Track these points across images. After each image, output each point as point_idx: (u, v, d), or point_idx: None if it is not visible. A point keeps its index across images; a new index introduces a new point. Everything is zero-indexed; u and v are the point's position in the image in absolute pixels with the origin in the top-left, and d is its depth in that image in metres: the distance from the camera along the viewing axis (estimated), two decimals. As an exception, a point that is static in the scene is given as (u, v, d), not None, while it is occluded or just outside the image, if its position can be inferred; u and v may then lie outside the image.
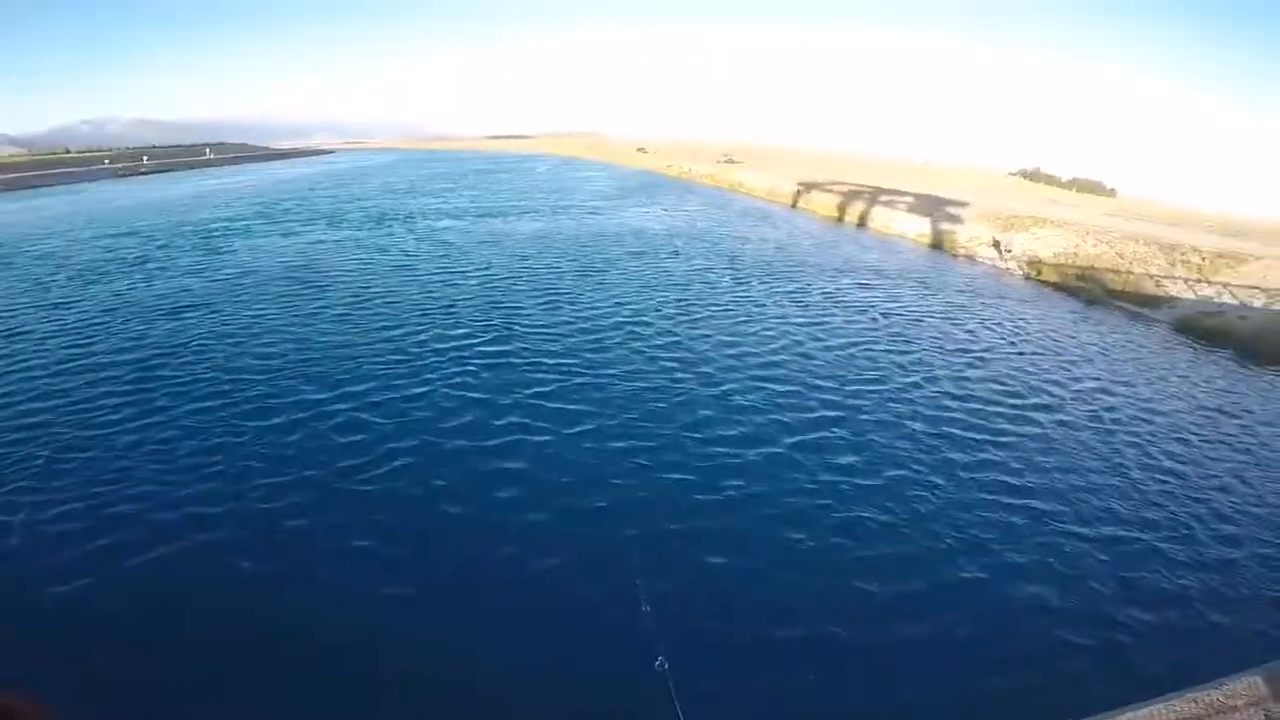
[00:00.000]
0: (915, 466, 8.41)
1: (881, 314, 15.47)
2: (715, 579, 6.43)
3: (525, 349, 12.28)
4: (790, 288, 17.58)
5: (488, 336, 12.99)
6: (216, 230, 26.70)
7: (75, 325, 13.86)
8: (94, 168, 67.51)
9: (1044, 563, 6.71)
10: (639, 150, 74.90)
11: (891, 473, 8.25)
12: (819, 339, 13.33)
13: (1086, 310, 17.41)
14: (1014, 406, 10.41)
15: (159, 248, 22.96)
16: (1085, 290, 19.01)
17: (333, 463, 8.38)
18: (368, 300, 15.77)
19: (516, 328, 13.52)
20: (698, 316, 14.62)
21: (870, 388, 10.87)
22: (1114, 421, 10.09)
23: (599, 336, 13.11)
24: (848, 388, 10.84)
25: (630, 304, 15.44)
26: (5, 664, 5.73)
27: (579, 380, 10.88)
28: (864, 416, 9.77)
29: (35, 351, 12.27)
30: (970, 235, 24.50)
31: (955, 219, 26.33)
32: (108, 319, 14.26)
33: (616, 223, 28.41)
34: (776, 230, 27.61)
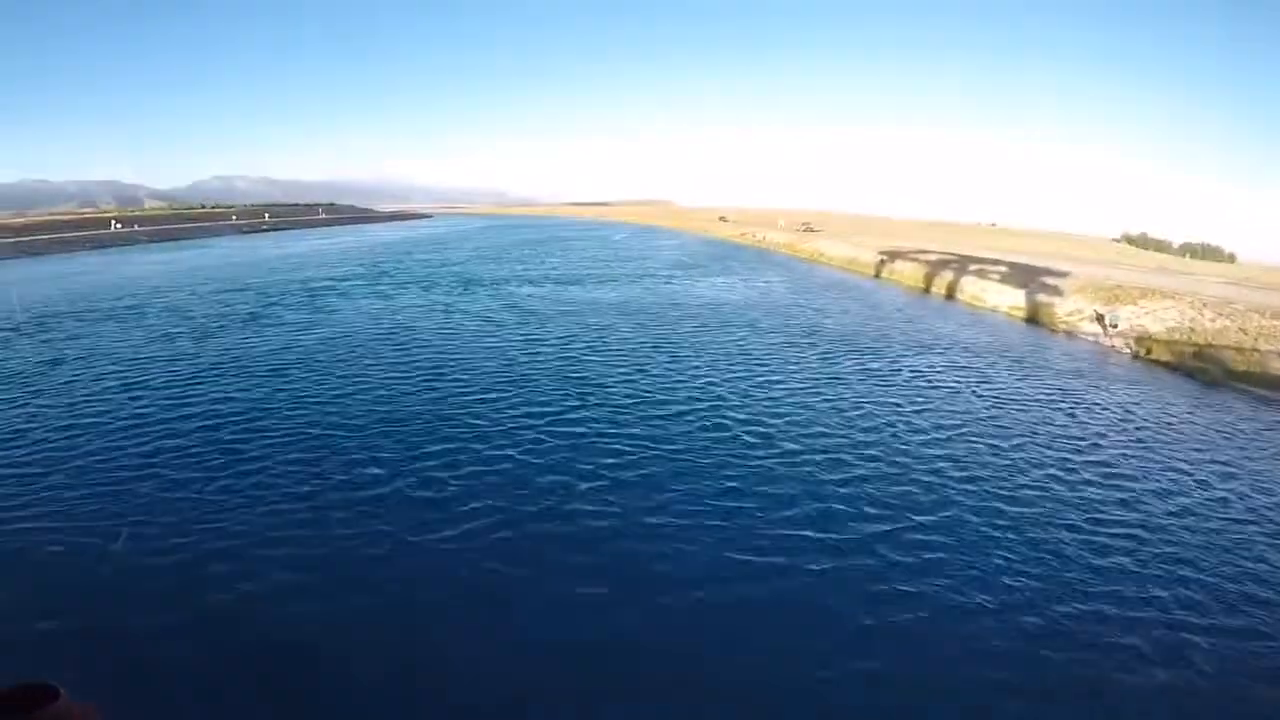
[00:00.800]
0: (1028, 575, 7.65)
1: (976, 395, 14.55)
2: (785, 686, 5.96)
3: (599, 420, 12.27)
4: (876, 365, 16.91)
5: (565, 407, 13.07)
6: (321, 289, 28.77)
7: (188, 376, 15.02)
8: (222, 223, 74.38)
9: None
10: (720, 219, 76.11)
11: (1004, 591, 7.51)
12: (910, 423, 12.58)
13: (1204, 393, 15.81)
14: (1130, 497, 9.43)
15: (268, 305, 24.86)
16: (1203, 371, 17.32)
17: (409, 517, 8.74)
18: (452, 364, 16.34)
19: (592, 400, 13.54)
20: (777, 395, 14.18)
21: (971, 480, 10.04)
22: (1249, 513, 9.10)
23: (674, 413, 12.89)
24: (945, 480, 10.05)
25: (706, 379, 15.19)
26: (81, 679, 5.81)
27: (651, 456, 10.68)
28: (969, 517, 8.92)
29: (152, 400, 13.34)
30: (1070, 309, 23.06)
31: (1053, 290, 24.91)
32: (217, 373, 15.39)
33: (692, 294, 28.66)
34: (858, 303, 27.05)
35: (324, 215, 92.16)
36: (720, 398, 13.81)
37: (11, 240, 37.62)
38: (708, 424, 12.18)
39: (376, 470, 10.02)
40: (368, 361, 16.54)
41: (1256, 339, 17.88)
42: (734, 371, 15.93)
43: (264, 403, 13.23)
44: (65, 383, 14.46)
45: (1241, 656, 6.26)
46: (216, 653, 6.22)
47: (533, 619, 6.85)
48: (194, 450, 10.70)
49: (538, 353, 17.71)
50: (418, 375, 15.35)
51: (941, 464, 10.59)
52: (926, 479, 10.00)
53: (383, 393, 14.04)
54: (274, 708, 5.66)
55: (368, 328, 20.89)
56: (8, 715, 4.03)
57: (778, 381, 15.15)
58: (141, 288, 27.92)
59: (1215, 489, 9.98)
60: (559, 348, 18.31)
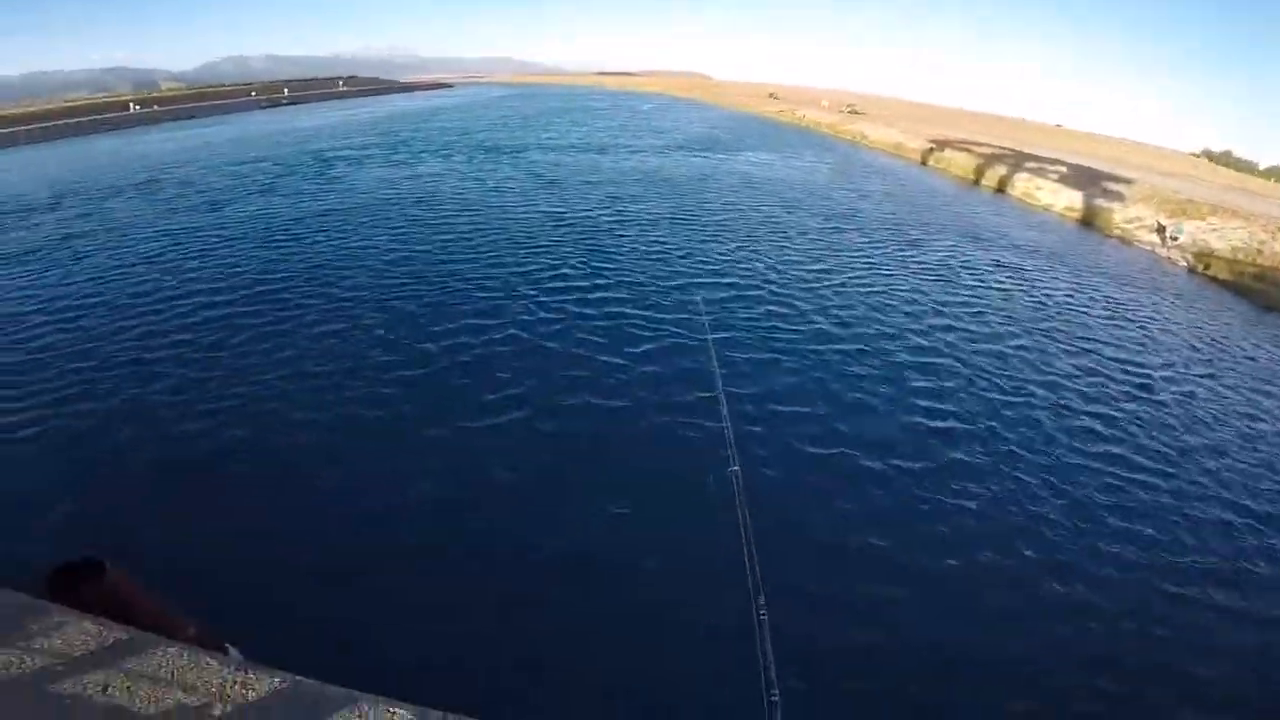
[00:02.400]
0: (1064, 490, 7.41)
1: (1024, 293, 13.83)
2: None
3: (619, 297, 11.77)
4: (919, 254, 16.02)
5: (586, 280, 12.52)
6: (339, 159, 27.27)
7: (201, 248, 14.50)
8: (241, 99, 71.46)
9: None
10: (770, 95, 70.79)
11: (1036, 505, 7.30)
12: (953, 315, 11.97)
13: (1261, 315, 14.98)
14: (1186, 417, 9.08)
15: (284, 176, 23.64)
16: (1262, 293, 16.40)
17: (421, 381, 8.79)
18: (470, 233, 15.65)
19: (614, 274, 12.93)
20: (813, 278, 13.47)
21: (1018, 387, 9.50)
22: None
23: (701, 289, 12.28)
24: (990, 380, 9.57)
25: (736, 258, 14.46)
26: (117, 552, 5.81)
27: (671, 335, 10.25)
28: (1013, 422, 8.51)
29: (167, 271, 12.93)
30: (1130, 216, 21.65)
31: (1114, 195, 23.30)
32: (232, 243, 14.90)
33: (725, 168, 26.99)
34: (903, 188, 25.47)
35: (344, 87, 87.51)
36: (752, 276, 13.18)
37: (24, 128, 35.69)
38: (736, 304, 11.65)
39: (388, 335, 9.95)
40: (384, 230, 15.92)
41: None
42: (767, 251, 15.15)
43: (279, 271, 12.84)
44: (81, 257, 13.99)
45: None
46: (241, 521, 6.23)
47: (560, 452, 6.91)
48: (209, 321, 10.48)
49: (559, 223, 16.88)
50: (435, 244, 14.75)
51: (984, 361, 10.14)
52: (968, 375, 9.62)
53: (400, 260, 13.63)
54: (297, 571, 5.64)
55: (386, 196, 19.93)
56: (62, 589, 3.65)
57: (815, 264, 14.42)
58: (158, 165, 26.65)
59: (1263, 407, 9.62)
60: (582, 218, 17.44)
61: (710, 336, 8.09)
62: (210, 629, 4.36)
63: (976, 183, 28.55)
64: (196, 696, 3.36)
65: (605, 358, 9.36)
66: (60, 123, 40.64)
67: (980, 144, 33.48)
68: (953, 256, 16.13)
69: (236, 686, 3.51)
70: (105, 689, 3.27)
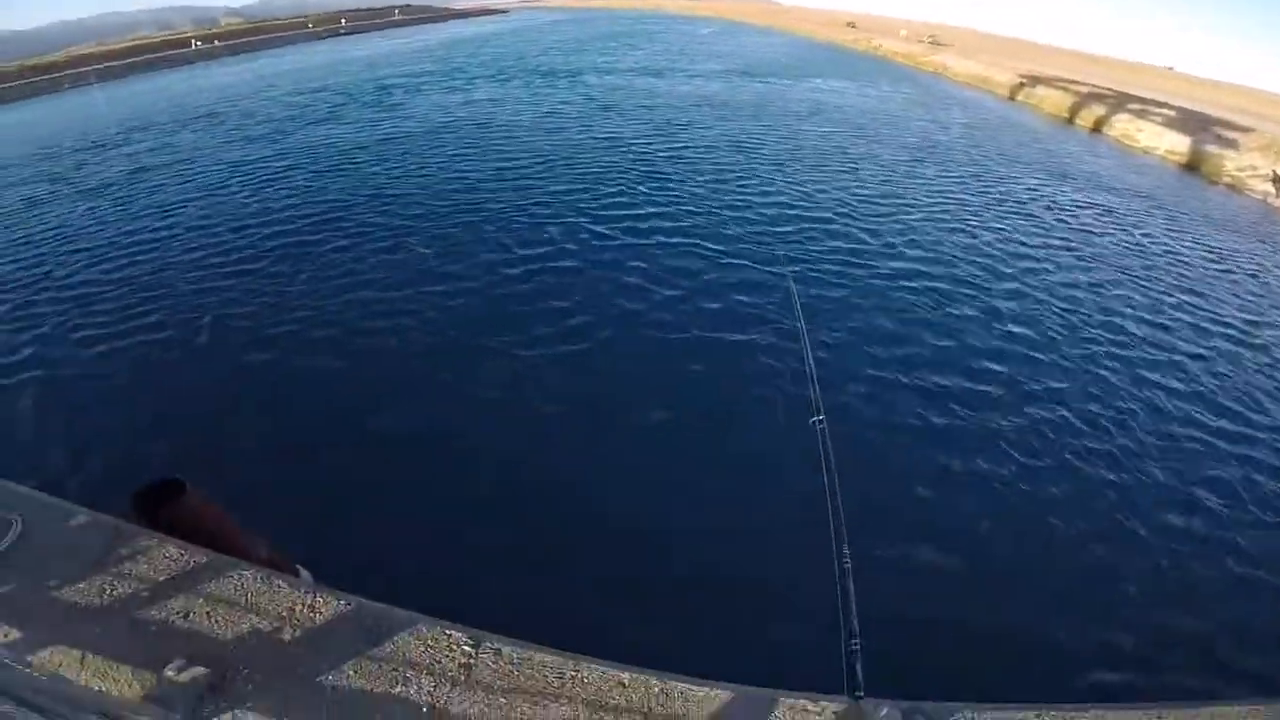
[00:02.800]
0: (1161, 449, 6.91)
1: (1123, 238, 12.73)
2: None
3: (677, 226, 11.40)
4: (1014, 194, 14.86)
5: (644, 207, 12.18)
6: (396, 86, 26.96)
7: (265, 176, 14.69)
8: (298, 31, 72.71)
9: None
10: (849, 25, 66.17)
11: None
12: (1044, 258, 11.15)
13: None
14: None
15: (343, 104, 23.52)
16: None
17: (480, 309, 8.83)
18: (525, 157, 15.39)
19: (672, 202, 12.51)
20: (889, 210, 12.73)
21: (1120, 340, 8.80)
22: None
23: (764, 218, 11.85)
24: (1088, 332, 8.89)
25: (802, 187, 13.76)
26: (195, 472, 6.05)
27: (733, 267, 9.90)
28: (1111, 380, 7.90)
29: (233, 200, 13.20)
30: (1243, 164, 19.54)
31: (1226, 142, 21.01)
32: (294, 171, 15.03)
33: (791, 95, 25.52)
34: (989, 122, 23.61)
35: (400, 16, 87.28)
36: (824, 207, 12.55)
37: (95, 68, 36.56)
38: (807, 236, 11.14)
39: (447, 262, 9.97)
40: (442, 156, 15.78)
41: None
42: (839, 182, 14.34)
43: (342, 198, 12.92)
44: (153, 189, 14.27)
45: None
46: (307, 444, 6.47)
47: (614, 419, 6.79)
48: (274, 249, 10.67)
49: (616, 148, 16.37)
50: (492, 169, 14.56)
51: (1084, 306, 9.46)
52: (1064, 318, 9.02)
53: (458, 185, 13.53)
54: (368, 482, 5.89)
55: (443, 122, 19.67)
56: (145, 510, 3.68)
57: (894, 197, 13.58)
58: (220, 98, 26.81)
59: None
60: (639, 143, 16.86)
61: (787, 270, 7.82)
62: (281, 551, 4.58)
63: (1070, 121, 26.20)
64: (268, 620, 3.53)
65: (666, 291, 9.18)
66: (127, 61, 41.70)
67: (1075, 82, 30.55)
68: (1042, 194, 15.02)
69: (305, 609, 3.67)
70: (186, 615, 3.47)
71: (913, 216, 12.53)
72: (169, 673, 2.95)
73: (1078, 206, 14.42)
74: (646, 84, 26.30)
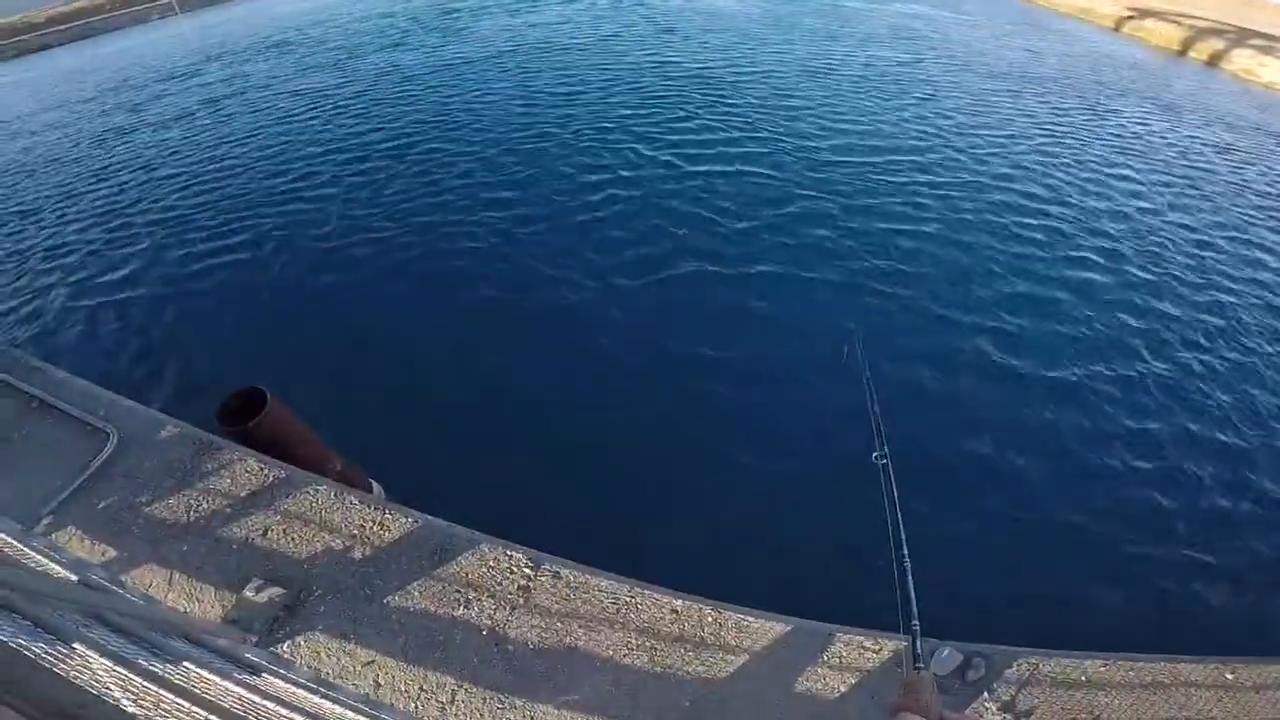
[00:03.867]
0: None
1: (1248, 181, 11.48)
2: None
3: (743, 156, 10.86)
4: (1120, 128, 13.42)
5: (712, 136, 11.62)
6: (461, 10, 26.09)
7: (335, 105, 14.61)
8: None
9: None
10: None
11: None
12: (1177, 206, 10.12)
13: None
14: None
15: (410, 30, 23.01)
16: None
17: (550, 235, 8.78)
18: (588, 80, 14.88)
19: (740, 131, 11.88)
20: (975, 142, 11.78)
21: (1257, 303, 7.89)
22: None
23: (838, 148, 11.14)
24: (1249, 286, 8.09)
25: (887, 118, 12.84)
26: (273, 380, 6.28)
27: (814, 199, 9.41)
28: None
29: (300, 127, 13.32)
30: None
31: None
32: (364, 99, 14.90)
33: (866, 16, 23.66)
34: (1090, 51, 21.40)
35: None
36: (906, 137, 11.76)
37: (155, 4, 36.80)
38: (884, 170, 10.49)
39: (516, 189, 9.93)
40: (507, 79, 15.38)
41: None
42: (922, 110, 13.32)
43: (410, 128, 12.76)
44: (228, 117, 14.44)
45: None
46: (384, 362, 6.72)
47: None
48: (344, 174, 10.78)
49: (680, 70, 15.55)
50: (556, 92, 14.14)
51: (1213, 251, 8.67)
52: (1187, 265, 8.29)
53: (522, 109, 13.29)
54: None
55: (508, 45, 19.00)
56: (230, 420, 3.80)
57: (988, 129, 12.52)
58: (289, 26, 26.56)
59: None
60: (703, 66, 15.95)
61: (866, 202, 7.36)
62: (355, 465, 4.79)
63: (1182, 54, 23.50)
64: (341, 539, 3.72)
65: (730, 222, 8.88)
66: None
67: (1188, 15, 27.24)
68: (1152, 129, 13.59)
69: (375, 527, 3.84)
70: (265, 533, 3.69)
71: (1014, 149, 11.57)
72: (248, 593, 3.15)
73: (1193, 143, 13.04)
74: (709, 3, 24.89)
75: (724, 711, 2.96)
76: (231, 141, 12.88)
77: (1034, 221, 9.11)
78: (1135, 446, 5.79)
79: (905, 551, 2.41)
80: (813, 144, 11.32)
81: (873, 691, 3.03)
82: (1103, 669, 3.12)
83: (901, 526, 2.46)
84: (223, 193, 10.56)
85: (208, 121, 14.42)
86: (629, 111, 12.80)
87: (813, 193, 9.56)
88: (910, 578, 2.35)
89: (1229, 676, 3.12)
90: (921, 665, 2.14)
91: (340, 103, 14.67)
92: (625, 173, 10.22)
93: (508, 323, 7.20)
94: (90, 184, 11.52)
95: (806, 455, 5.62)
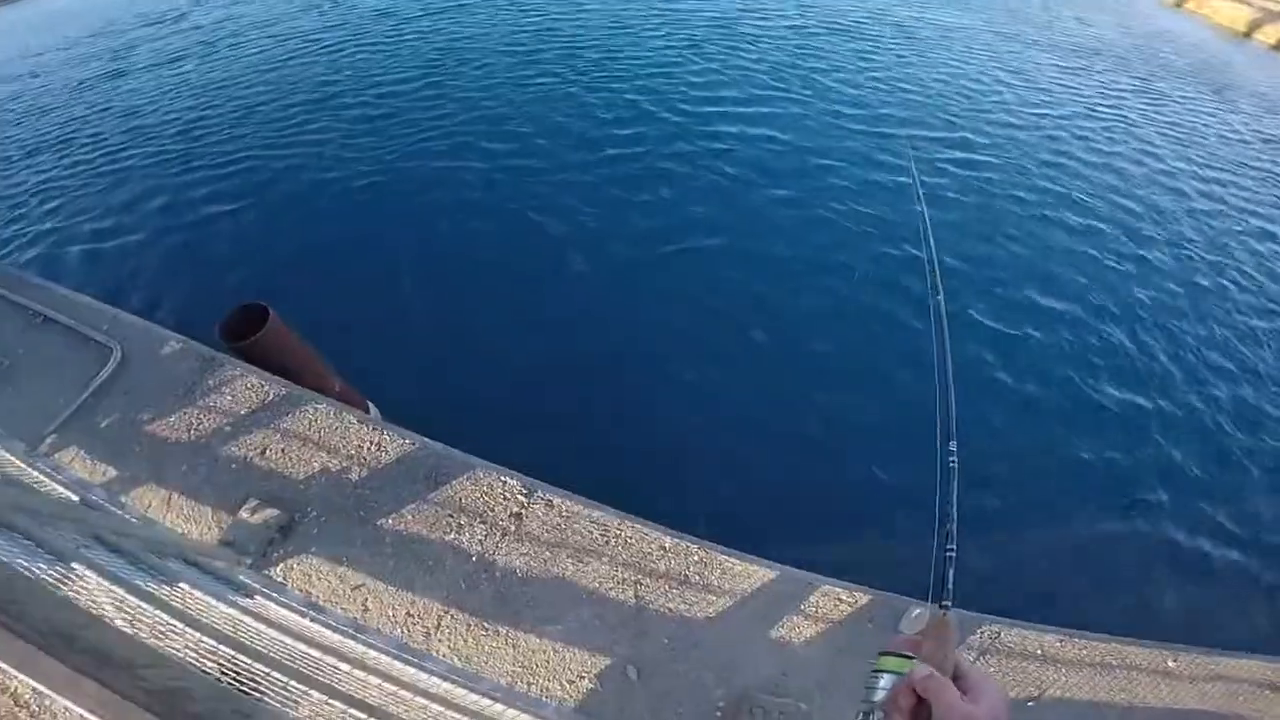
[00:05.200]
0: None
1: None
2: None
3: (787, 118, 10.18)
4: (1178, 114, 12.19)
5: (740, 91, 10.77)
6: None
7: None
8: None
9: None
10: None
11: None
12: (1200, 194, 9.35)
13: None
14: None
15: None
16: None
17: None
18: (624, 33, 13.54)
19: (780, 91, 10.91)
20: (1048, 130, 10.67)
21: None
22: None
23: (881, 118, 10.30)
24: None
25: (933, 88, 11.67)
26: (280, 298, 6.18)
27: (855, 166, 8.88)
28: None
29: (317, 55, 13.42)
30: None
31: None
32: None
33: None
34: (1144, 29, 18.88)
35: None
36: (955, 109, 10.85)
37: None
38: (935, 144, 9.71)
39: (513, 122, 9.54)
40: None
41: None
42: (971, 84, 12.12)
43: (415, 65, 11.96)
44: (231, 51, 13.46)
45: None
46: (384, 285, 6.63)
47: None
48: (354, 105, 10.34)
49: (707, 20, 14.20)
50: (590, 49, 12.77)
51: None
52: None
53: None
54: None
55: None
56: (232, 335, 3.65)
57: (1045, 108, 11.41)
58: None
59: None
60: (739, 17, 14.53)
61: (917, 183, 6.85)
62: (352, 387, 4.83)
63: (1247, 36, 20.70)
64: (338, 459, 3.78)
65: (779, 190, 8.36)
66: None
67: None
68: (1215, 116, 12.37)
69: (372, 448, 3.91)
70: (263, 452, 3.75)
71: (1074, 130, 10.59)
72: (244, 514, 3.23)
73: (1259, 132, 11.73)
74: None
75: (698, 652, 3.06)
76: (236, 85, 12.04)
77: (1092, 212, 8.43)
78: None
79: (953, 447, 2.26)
80: (849, 109, 10.39)
81: (841, 644, 3.10)
82: (1058, 644, 3.21)
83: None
84: (224, 128, 10.07)
85: (205, 60, 13.44)
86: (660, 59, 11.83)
87: (857, 164, 8.89)
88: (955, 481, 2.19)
89: (1170, 664, 3.23)
90: (950, 603, 1.99)
91: (345, 38, 13.76)
92: (639, 131, 9.49)
93: (532, 245, 7.09)
94: (88, 121, 10.97)
95: (843, 408, 5.57)
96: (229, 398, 4.02)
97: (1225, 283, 7.45)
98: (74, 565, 2.45)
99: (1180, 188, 9.32)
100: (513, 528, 3.57)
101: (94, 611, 2.19)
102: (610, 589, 3.30)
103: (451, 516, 3.58)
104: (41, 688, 1.70)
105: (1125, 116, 11.58)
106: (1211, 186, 9.56)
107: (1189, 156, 10.39)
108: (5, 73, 13.69)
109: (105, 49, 14.91)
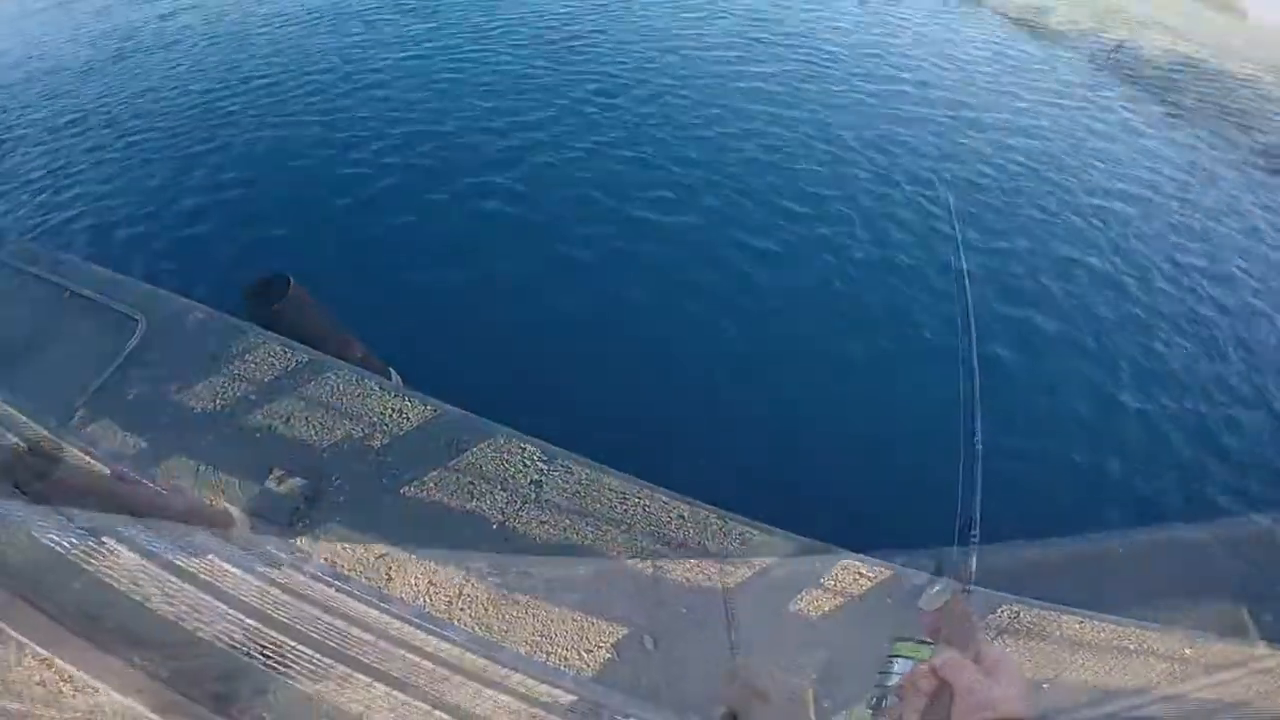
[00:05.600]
0: None
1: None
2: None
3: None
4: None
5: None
6: None
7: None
8: None
9: None
10: None
11: None
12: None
13: None
14: None
15: None
16: None
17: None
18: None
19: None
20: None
21: None
22: None
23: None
24: None
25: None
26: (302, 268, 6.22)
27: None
28: None
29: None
30: None
31: None
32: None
33: None
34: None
35: None
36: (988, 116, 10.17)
37: None
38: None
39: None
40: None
41: None
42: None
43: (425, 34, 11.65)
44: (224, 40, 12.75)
45: None
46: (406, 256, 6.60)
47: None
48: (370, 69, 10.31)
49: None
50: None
51: None
52: None
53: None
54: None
55: None
56: (255, 304, 3.66)
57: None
58: None
59: None
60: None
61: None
62: (373, 353, 4.86)
63: None
64: (361, 426, 3.82)
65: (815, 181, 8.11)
66: None
67: None
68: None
69: (393, 414, 3.94)
70: (288, 420, 3.79)
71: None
72: (270, 484, 3.29)
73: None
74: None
75: (714, 623, 3.07)
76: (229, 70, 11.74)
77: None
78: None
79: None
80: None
81: (859, 618, 3.09)
82: (1078, 626, 3.14)
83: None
84: (244, 103, 9.92)
85: (219, 39, 13.01)
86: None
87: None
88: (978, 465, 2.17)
89: (1188, 652, 3.16)
90: (971, 587, 1.98)
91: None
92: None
93: (558, 213, 7.01)
94: (103, 102, 10.76)
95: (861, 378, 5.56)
96: (253, 366, 4.06)
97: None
98: (105, 539, 2.51)
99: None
100: (533, 495, 3.59)
101: (121, 588, 2.25)
102: (628, 557, 3.32)
103: (473, 484, 3.61)
104: (70, 667, 1.75)
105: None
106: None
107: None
108: (17, 56, 13.66)
109: (112, 28, 14.71)
